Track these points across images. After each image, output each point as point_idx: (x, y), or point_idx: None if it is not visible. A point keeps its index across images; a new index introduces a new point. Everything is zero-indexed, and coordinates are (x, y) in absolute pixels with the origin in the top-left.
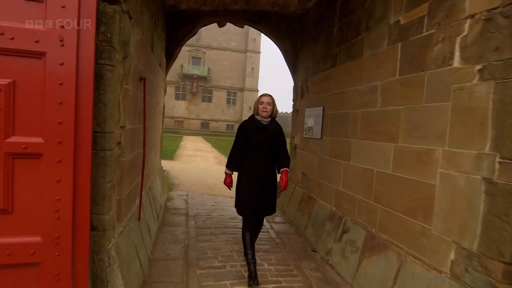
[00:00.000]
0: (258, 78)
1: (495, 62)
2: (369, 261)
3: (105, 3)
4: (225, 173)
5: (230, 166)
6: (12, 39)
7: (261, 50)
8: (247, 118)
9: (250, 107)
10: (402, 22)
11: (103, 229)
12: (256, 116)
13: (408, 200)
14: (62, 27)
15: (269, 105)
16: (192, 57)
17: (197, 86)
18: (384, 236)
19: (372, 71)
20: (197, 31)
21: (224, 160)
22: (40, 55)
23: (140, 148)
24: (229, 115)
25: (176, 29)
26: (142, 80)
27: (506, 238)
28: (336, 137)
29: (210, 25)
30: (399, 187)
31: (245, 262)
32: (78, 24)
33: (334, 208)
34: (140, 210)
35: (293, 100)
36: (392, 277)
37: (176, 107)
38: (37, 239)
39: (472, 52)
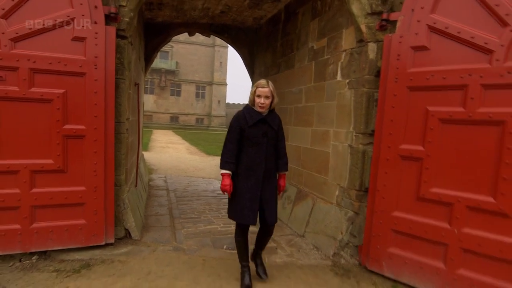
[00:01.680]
0: (226, 72)
1: (353, 79)
2: (297, 207)
3: (119, 39)
4: (222, 174)
5: (227, 164)
6: (65, 65)
7: (228, 45)
8: (241, 110)
9: (219, 101)
10: (315, 47)
11: (120, 185)
12: (252, 107)
13: (318, 163)
14: (96, 57)
15: (267, 98)
16: (160, 51)
17: (165, 80)
18: (306, 189)
19: (299, 78)
20: (171, 39)
21: (196, 150)
22: (82, 74)
23: (135, 133)
24: (198, 108)
25: (153, 38)
26: (136, 85)
27: (356, 176)
28: (289, 125)
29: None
30: (313, 156)
31: (217, 213)
32: (105, 54)
33: None
34: (137, 179)
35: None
36: (309, 213)
37: (144, 101)
38: (82, 188)
39: (345, 72)
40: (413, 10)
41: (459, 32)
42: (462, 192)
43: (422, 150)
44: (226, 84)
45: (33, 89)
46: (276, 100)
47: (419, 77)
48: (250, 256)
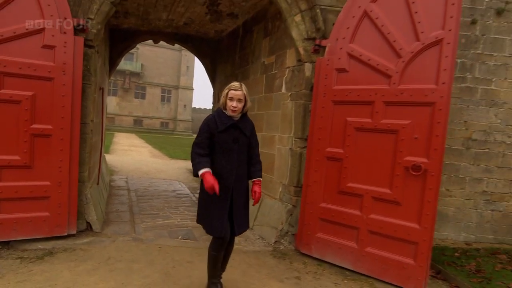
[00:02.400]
0: (193, 77)
1: (294, 92)
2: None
3: (87, 48)
4: (201, 174)
5: (202, 163)
6: (35, 70)
7: None
8: (211, 114)
9: (185, 105)
10: (266, 62)
11: (83, 181)
12: (224, 111)
13: (266, 164)
14: (64, 63)
15: (240, 102)
16: None
17: (130, 82)
18: None
19: (253, 89)
20: (136, 45)
21: (159, 154)
22: (51, 79)
23: (99, 134)
24: (163, 112)
25: (118, 43)
26: (101, 90)
27: (295, 175)
28: None
29: None
30: (263, 158)
31: (175, 210)
32: (73, 62)
33: None
34: (99, 177)
35: (212, 103)
36: (257, 208)
37: (107, 103)
38: (47, 183)
39: (288, 85)
40: (337, 39)
41: (369, 60)
42: (369, 186)
43: (342, 152)
44: (193, 89)
45: (2, 91)
46: (249, 104)
47: (341, 94)
48: None
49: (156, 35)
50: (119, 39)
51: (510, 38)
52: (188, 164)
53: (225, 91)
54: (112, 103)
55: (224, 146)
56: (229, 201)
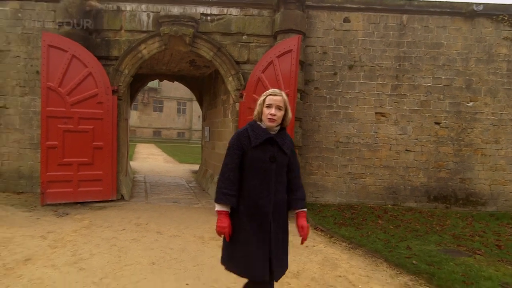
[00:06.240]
0: None
1: (233, 118)
2: (213, 183)
3: (118, 100)
4: (218, 212)
5: (225, 196)
6: (94, 114)
7: None
8: (243, 127)
9: (199, 116)
10: (223, 98)
11: (118, 172)
12: (259, 123)
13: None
14: (108, 110)
15: (280, 109)
16: None
17: (148, 97)
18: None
19: (218, 114)
20: (147, 84)
21: (171, 160)
22: (102, 119)
23: (125, 146)
24: (179, 123)
25: (135, 83)
26: (126, 120)
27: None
28: (213, 140)
29: None
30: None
31: (173, 191)
32: (112, 109)
33: (211, 171)
34: (127, 171)
35: (202, 122)
36: None
37: None
38: (101, 172)
39: (231, 114)
40: (249, 91)
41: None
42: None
43: None
44: None
45: (80, 126)
46: (289, 115)
47: (249, 120)
48: None
49: (161, 77)
50: (136, 80)
51: (358, 82)
52: (191, 166)
53: (262, 98)
54: (133, 117)
55: (259, 165)
56: (269, 234)
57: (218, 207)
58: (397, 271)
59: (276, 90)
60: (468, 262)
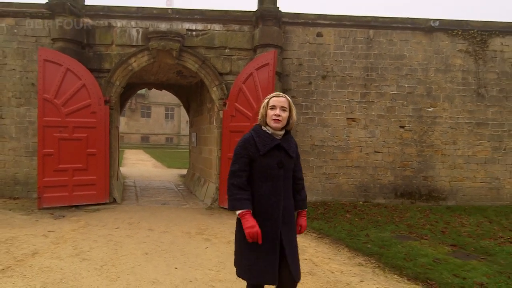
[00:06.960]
0: None
1: (217, 125)
2: (203, 187)
3: (110, 110)
4: (241, 215)
5: (241, 201)
6: (87, 123)
7: None
8: (248, 133)
9: (187, 121)
10: (208, 106)
11: (111, 176)
12: (264, 128)
13: (208, 164)
14: (101, 120)
15: (284, 110)
16: None
17: (136, 103)
18: (205, 177)
19: (204, 121)
20: (136, 92)
21: (160, 165)
22: (95, 128)
23: (116, 152)
24: (167, 128)
25: (125, 91)
26: (117, 127)
27: (218, 168)
28: (200, 145)
29: None
30: (208, 161)
31: (162, 194)
32: (104, 118)
33: (198, 174)
34: (118, 175)
35: (189, 128)
36: (206, 188)
37: None
38: (95, 177)
39: (216, 121)
40: (231, 100)
41: (242, 110)
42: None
43: None
44: None
45: (75, 135)
46: (294, 118)
47: (232, 127)
48: None
49: (150, 85)
50: (126, 89)
51: (330, 90)
52: (179, 171)
53: (265, 100)
54: (121, 123)
55: (268, 172)
56: (279, 239)
57: (241, 211)
58: (355, 254)
59: (279, 93)
60: (413, 245)
